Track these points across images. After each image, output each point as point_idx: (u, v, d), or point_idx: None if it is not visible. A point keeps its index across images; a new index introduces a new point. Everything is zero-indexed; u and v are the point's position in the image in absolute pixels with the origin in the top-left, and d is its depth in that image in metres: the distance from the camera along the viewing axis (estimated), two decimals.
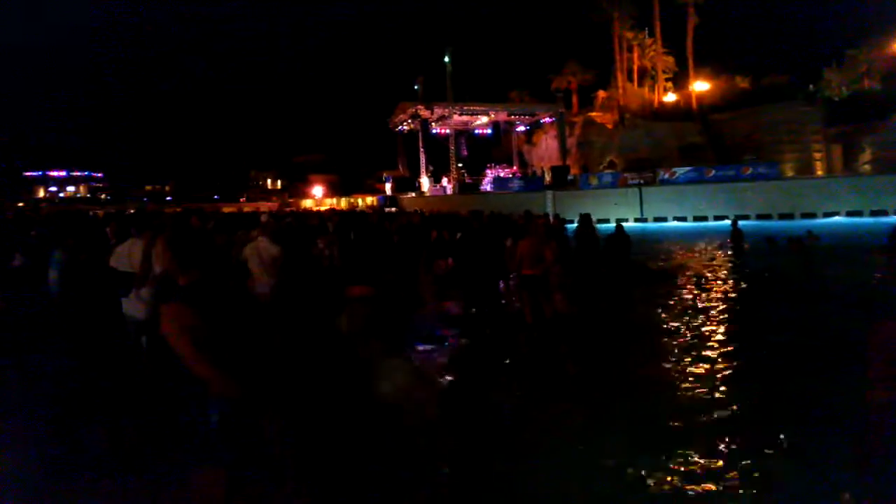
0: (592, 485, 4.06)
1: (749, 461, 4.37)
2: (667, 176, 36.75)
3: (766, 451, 4.56)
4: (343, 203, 57.08)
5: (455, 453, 4.67)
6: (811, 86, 45.00)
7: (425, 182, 49.72)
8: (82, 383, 4.17)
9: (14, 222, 13.81)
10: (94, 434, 4.25)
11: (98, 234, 5.04)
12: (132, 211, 25.99)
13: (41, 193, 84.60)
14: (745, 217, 29.96)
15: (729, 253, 17.40)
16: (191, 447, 2.74)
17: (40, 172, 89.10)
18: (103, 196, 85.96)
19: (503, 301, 9.61)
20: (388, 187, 55.03)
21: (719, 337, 8.03)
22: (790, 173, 38.26)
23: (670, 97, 52.89)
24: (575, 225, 14.73)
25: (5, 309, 5.82)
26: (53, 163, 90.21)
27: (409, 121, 50.23)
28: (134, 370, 4.93)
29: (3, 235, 9.64)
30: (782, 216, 30.23)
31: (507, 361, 7.27)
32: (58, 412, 4.71)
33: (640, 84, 55.44)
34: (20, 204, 49.69)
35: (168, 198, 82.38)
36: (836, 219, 28.97)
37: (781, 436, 4.80)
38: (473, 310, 8.62)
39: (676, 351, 7.38)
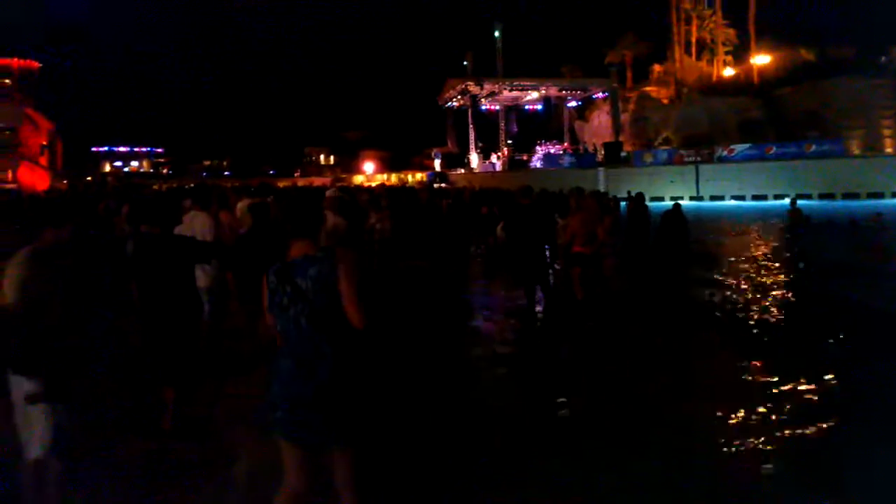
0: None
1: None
2: (725, 153, 35.70)
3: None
4: (393, 179, 57.57)
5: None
6: (882, 58, 42.49)
7: (475, 158, 49.63)
8: (149, 348, 4.50)
9: (84, 196, 14.54)
10: (151, 398, 4.58)
11: (171, 207, 5.36)
12: (192, 185, 26.91)
13: (107, 168, 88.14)
14: (807, 196, 28.95)
15: (784, 236, 16.90)
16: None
17: (106, 148, 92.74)
18: (165, 171, 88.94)
19: (552, 278, 9.66)
20: (437, 164, 55.15)
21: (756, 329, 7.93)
22: (856, 151, 36.50)
23: (729, 71, 50.92)
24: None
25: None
26: (117, 138, 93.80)
27: (459, 97, 50.06)
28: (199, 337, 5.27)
29: (75, 208, 10.21)
30: (847, 196, 29.03)
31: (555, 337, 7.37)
32: (120, 376, 5.09)
33: (699, 57, 53.50)
34: (88, 178, 51.93)
35: (226, 172, 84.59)
36: None
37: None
38: (523, 286, 8.72)
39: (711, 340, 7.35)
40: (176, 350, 4.31)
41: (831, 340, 6.82)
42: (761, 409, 4.84)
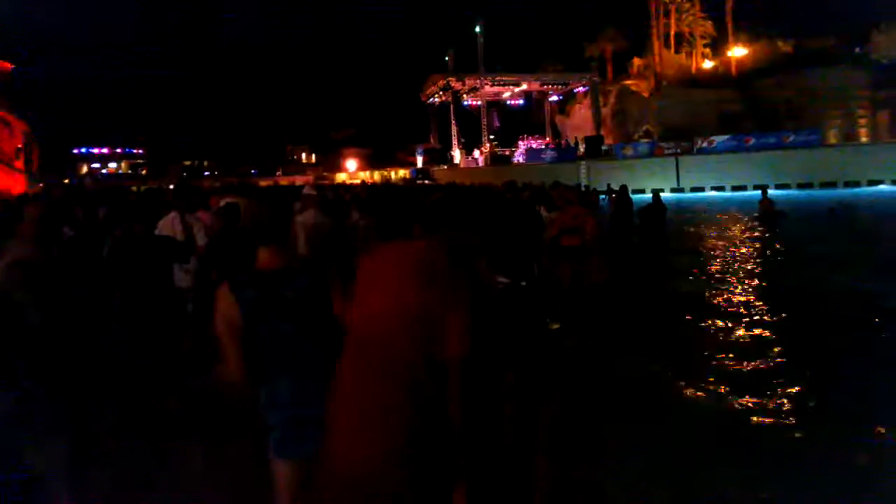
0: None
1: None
2: (705, 145, 36.02)
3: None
4: (376, 176, 57.37)
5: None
6: (857, 49, 43.12)
7: (457, 154, 49.60)
8: (127, 350, 4.41)
9: (62, 198, 14.30)
10: (131, 403, 4.49)
11: (147, 208, 5.30)
12: (172, 185, 26.57)
13: (84, 170, 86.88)
14: (786, 186, 29.34)
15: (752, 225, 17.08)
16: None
17: (84, 149, 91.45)
18: (143, 172, 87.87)
19: (536, 270, 9.67)
20: (419, 160, 55.07)
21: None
22: (833, 140, 37.06)
23: (708, 63, 51.41)
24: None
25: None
26: (96, 140, 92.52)
27: (441, 93, 50.00)
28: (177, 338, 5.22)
29: (53, 210, 10.03)
30: (824, 185, 29.43)
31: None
32: (98, 378, 4.99)
33: (678, 50, 53.92)
34: (66, 180, 51.15)
35: (206, 172, 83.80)
36: (882, 187, 28.11)
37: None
38: (507, 279, 8.72)
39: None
40: (160, 348, 4.25)
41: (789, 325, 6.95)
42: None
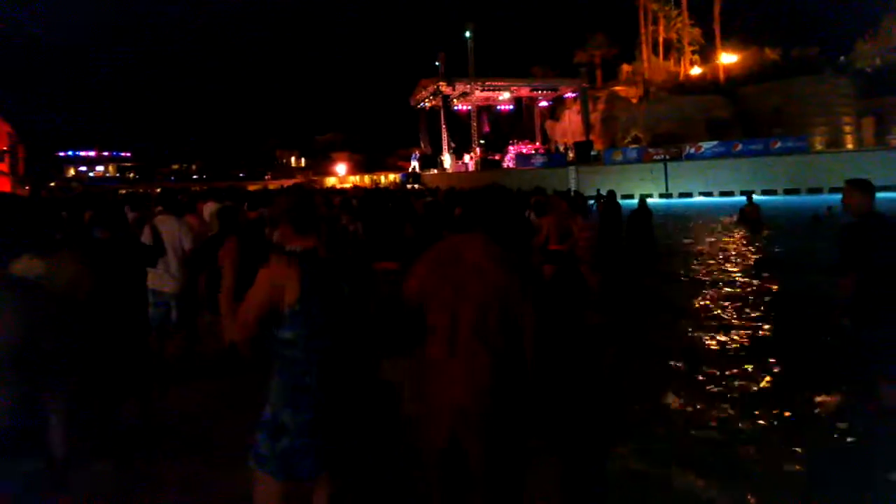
0: None
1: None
2: (693, 151, 36.22)
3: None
4: (366, 180, 57.29)
5: None
6: (843, 57, 43.58)
7: (447, 159, 49.61)
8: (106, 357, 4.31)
9: (48, 201, 14.17)
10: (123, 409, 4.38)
11: (120, 212, 5.18)
12: (159, 189, 26.29)
13: (71, 173, 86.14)
14: (773, 192, 29.57)
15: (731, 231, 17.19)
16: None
17: (70, 152, 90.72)
18: (131, 175, 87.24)
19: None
20: (415, 164, 55.07)
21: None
22: (819, 147, 37.37)
23: (696, 70, 51.76)
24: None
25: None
26: (82, 143, 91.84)
27: (431, 97, 50.00)
28: (150, 343, 5.15)
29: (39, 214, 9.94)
30: (811, 191, 29.68)
31: None
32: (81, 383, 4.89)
33: (666, 57, 54.31)
34: (52, 184, 50.71)
35: (194, 176, 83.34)
36: None
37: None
38: None
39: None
40: (128, 357, 4.13)
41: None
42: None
